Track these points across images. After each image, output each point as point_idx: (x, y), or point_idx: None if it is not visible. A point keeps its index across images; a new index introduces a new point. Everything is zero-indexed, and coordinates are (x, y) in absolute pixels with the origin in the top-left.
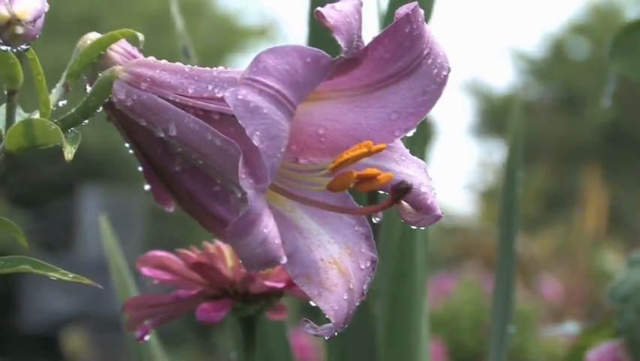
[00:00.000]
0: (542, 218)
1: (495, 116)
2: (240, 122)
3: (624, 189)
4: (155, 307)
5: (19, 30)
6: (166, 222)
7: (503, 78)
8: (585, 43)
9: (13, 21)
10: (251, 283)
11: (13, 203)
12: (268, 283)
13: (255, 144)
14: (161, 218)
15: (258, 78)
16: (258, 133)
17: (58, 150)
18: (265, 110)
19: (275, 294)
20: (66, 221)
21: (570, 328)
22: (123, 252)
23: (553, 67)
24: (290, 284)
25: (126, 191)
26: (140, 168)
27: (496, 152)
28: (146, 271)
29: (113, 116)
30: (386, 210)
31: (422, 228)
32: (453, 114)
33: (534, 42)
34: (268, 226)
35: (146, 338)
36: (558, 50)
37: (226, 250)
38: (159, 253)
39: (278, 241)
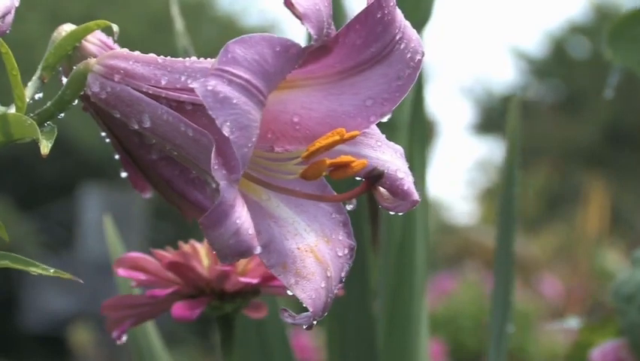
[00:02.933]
0: (543, 218)
1: (495, 116)
2: (209, 112)
3: (625, 188)
4: (133, 307)
5: None
6: (166, 221)
7: (504, 77)
8: (586, 42)
9: None
10: (226, 280)
11: (15, 203)
12: (243, 280)
13: (226, 134)
14: (161, 217)
15: (227, 68)
16: (228, 124)
17: (57, 150)
18: (235, 101)
19: (251, 292)
20: (67, 221)
21: (572, 323)
22: (123, 251)
23: (554, 66)
24: (265, 280)
25: (126, 190)
26: (117, 157)
27: (496, 151)
28: (121, 272)
29: (89, 106)
30: (385, 210)
31: (424, 227)
32: (453, 113)
33: (535, 41)
34: (241, 217)
35: (123, 338)
36: (559, 50)
37: (201, 248)
38: (135, 255)
39: (252, 231)
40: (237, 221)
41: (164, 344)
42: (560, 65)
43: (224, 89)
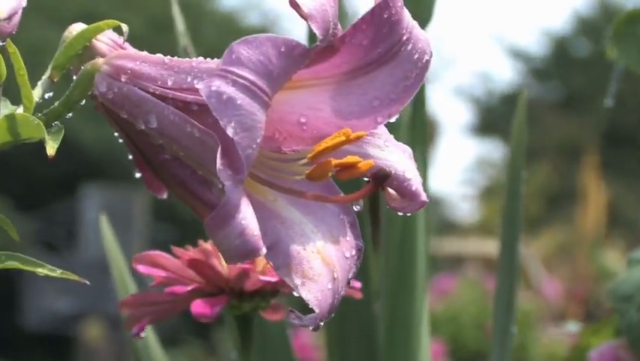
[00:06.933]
0: (543, 217)
1: (494, 115)
2: (213, 113)
3: (625, 187)
4: (152, 305)
5: None
6: (166, 221)
7: (503, 78)
8: (585, 41)
9: None
10: (246, 279)
11: (15, 203)
12: (263, 278)
13: (230, 135)
14: (161, 217)
15: (231, 69)
16: (232, 124)
17: (58, 150)
18: (239, 102)
19: (270, 291)
20: (67, 221)
21: (571, 327)
22: (123, 251)
23: (554, 66)
24: None
25: (126, 191)
26: (130, 157)
27: (494, 150)
28: (141, 268)
29: (100, 105)
30: (387, 211)
31: (424, 227)
32: (452, 113)
33: (534, 41)
34: (246, 218)
35: (142, 334)
36: (558, 49)
37: None
38: (154, 252)
39: (257, 232)
40: (243, 222)
41: (165, 344)
42: (559, 64)
43: (229, 89)
